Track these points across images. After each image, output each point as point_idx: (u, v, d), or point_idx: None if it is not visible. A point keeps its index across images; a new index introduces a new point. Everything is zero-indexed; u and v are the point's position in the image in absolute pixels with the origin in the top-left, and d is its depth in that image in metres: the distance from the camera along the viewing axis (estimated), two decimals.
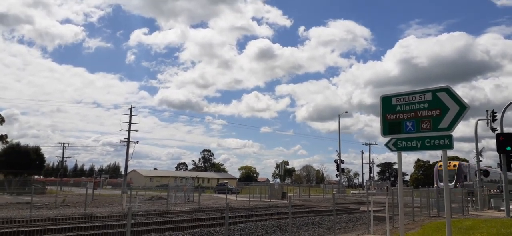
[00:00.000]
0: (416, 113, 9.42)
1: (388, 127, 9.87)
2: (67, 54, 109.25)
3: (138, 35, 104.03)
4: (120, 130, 56.86)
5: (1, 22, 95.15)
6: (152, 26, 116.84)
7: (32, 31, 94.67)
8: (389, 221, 13.74)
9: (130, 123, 54.71)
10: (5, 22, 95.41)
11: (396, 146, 9.82)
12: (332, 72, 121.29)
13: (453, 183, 37.05)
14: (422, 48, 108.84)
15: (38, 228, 14.08)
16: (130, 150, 55.48)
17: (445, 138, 9.02)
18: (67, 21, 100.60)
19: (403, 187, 10.76)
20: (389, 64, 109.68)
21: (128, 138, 54.78)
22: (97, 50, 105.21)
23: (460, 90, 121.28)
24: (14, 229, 13.38)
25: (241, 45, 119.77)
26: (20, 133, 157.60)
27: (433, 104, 9.21)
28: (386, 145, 10.21)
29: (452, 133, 9.05)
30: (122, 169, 71.98)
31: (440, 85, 9.43)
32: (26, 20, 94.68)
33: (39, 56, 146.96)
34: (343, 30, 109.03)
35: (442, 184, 30.68)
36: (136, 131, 71.65)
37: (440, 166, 38.19)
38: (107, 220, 17.41)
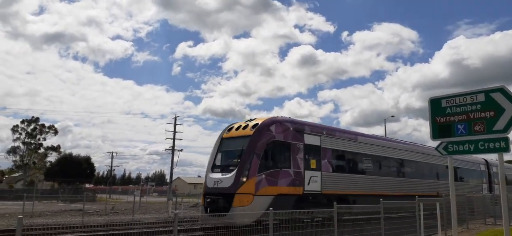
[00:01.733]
0: (468, 115, 8.98)
1: (438, 131, 9.48)
2: (117, 68, 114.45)
3: (183, 48, 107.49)
4: (165, 139, 58.21)
5: (58, 40, 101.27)
6: (196, 38, 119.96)
7: (86, 48, 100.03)
8: (441, 229, 13.15)
9: (174, 132, 56.05)
10: (61, 40, 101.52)
11: (447, 150, 9.41)
12: (377, 76, 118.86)
13: None
14: (473, 48, 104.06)
15: (90, 233, 14.68)
16: (175, 158, 56.66)
17: (501, 141, 8.54)
18: (117, 37, 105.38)
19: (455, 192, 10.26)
20: (438, 66, 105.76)
21: (173, 146, 56.13)
22: (145, 63, 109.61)
23: None
24: (69, 235, 14.03)
25: (283, 53, 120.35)
26: (73, 144, 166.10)
27: (486, 105, 8.75)
28: (437, 149, 9.81)
29: (508, 135, 8.56)
30: (168, 177, 73.96)
31: (494, 85, 8.93)
32: (81, 38, 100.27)
33: (91, 71, 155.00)
34: (388, 33, 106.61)
35: None
36: (181, 139, 73.17)
37: None
38: (154, 226, 17.87)
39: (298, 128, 17.48)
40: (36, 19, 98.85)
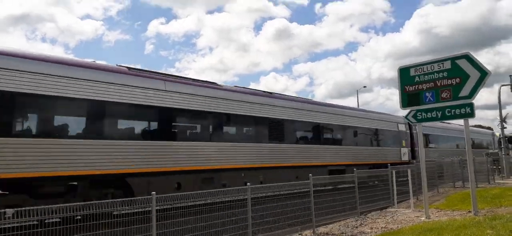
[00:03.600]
0: (435, 83, 9.24)
1: (407, 99, 9.73)
2: (88, 49, 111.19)
3: (155, 26, 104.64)
4: None
5: (24, 21, 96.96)
6: (169, 15, 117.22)
7: (55, 29, 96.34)
8: (413, 194, 13.62)
9: None
10: (28, 22, 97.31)
11: (416, 118, 9.69)
12: (351, 47, 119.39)
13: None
14: (442, 16, 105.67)
15: None
16: None
17: (466, 107, 8.85)
18: (87, 16, 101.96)
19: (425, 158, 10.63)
20: (409, 35, 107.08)
21: None
22: (116, 43, 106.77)
23: (484, 56, 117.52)
24: None
25: (258, 27, 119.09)
26: None
27: (452, 72, 9.02)
28: (406, 117, 10.08)
29: (473, 101, 8.87)
30: None
31: (460, 52, 9.18)
32: (48, 18, 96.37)
33: (62, 53, 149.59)
34: (361, 3, 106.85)
35: None
36: None
37: None
38: None
39: None
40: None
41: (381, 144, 22.93)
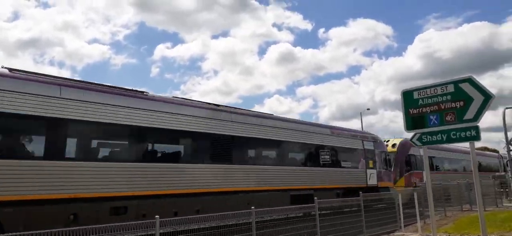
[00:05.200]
0: (439, 106, 9.25)
1: (412, 122, 9.73)
2: (95, 72, 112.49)
3: (161, 50, 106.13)
4: None
5: (33, 46, 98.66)
6: (175, 39, 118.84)
7: (62, 52, 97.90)
8: (420, 217, 13.47)
9: None
10: (37, 46, 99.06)
11: (421, 141, 9.67)
12: (354, 71, 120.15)
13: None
14: (443, 41, 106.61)
15: None
16: None
17: (471, 129, 8.82)
18: (94, 41, 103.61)
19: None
20: (411, 60, 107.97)
21: None
22: (123, 66, 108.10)
23: (487, 79, 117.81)
24: None
25: (262, 51, 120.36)
26: None
27: (456, 95, 9.03)
28: (411, 140, 10.06)
29: (478, 124, 8.85)
30: None
31: (463, 76, 9.23)
32: (57, 43, 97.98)
33: (69, 76, 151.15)
34: (364, 28, 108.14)
35: None
36: None
37: None
38: None
39: None
40: (9, 25, 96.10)
41: (343, 165, 19.54)
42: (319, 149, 18.27)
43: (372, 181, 20.81)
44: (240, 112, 15.81)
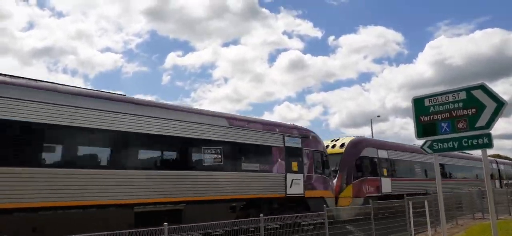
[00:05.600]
0: (451, 113, 9.16)
1: (423, 130, 9.64)
2: (107, 80, 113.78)
3: (172, 58, 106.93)
4: None
5: (47, 54, 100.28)
6: (186, 47, 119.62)
7: (75, 61, 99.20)
8: (431, 225, 13.31)
9: None
10: (50, 55, 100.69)
11: (432, 148, 9.57)
12: (364, 78, 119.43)
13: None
14: (454, 48, 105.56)
15: None
16: None
17: (484, 137, 8.71)
18: (107, 49, 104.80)
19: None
20: (422, 67, 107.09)
21: None
22: (134, 74, 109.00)
23: (500, 86, 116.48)
24: None
25: (272, 59, 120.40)
26: None
27: (468, 102, 8.94)
28: (422, 147, 9.97)
29: (490, 131, 8.74)
30: None
31: (475, 83, 9.14)
32: (70, 51, 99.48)
33: (81, 84, 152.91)
34: (374, 36, 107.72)
35: None
36: None
37: None
38: None
39: None
40: (24, 35, 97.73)
41: (244, 167, 14.46)
42: (202, 145, 13.30)
43: (295, 189, 15.92)
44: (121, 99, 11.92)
